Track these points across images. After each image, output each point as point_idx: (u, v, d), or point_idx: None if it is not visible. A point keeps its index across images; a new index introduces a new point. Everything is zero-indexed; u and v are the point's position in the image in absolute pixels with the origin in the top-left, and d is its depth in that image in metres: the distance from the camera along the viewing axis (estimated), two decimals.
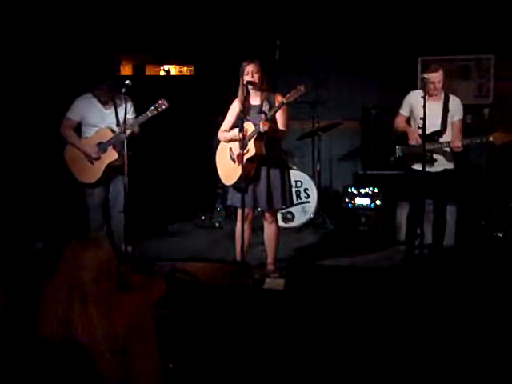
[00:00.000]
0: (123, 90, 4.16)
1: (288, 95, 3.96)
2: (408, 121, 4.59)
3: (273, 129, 4.07)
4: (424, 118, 4.16)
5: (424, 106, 4.14)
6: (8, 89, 5.59)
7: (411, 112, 4.54)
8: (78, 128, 4.68)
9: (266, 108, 4.14)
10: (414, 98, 4.52)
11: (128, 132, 4.35)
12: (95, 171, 4.59)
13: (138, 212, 4.99)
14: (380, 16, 6.44)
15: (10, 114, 5.60)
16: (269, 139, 4.15)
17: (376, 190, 5.81)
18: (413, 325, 3.37)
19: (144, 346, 1.95)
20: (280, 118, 4.17)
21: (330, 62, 6.61)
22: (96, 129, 4.57)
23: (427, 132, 4.35)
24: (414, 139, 4.44)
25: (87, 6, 6.17)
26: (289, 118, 4.24)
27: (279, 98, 4.10)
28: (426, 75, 4.36)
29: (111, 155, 4.52)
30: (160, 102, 4.28)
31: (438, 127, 4.40)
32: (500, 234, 5.23)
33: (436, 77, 4.34)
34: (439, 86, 4.37)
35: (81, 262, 1.94)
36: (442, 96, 4.44)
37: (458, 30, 6.27)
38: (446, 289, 4.09)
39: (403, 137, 4.58)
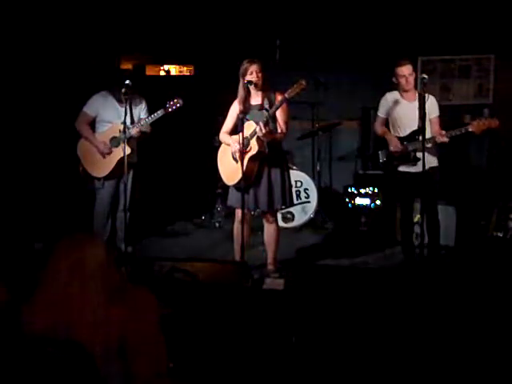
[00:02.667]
0: (123, 90, 4.19)
1: (289, 90, 3.95)
2: (387, 123, 4.61)
3: (270, 134, 4.06)
4: (424, 118, 4.17)
5: (424, 106, 4.15)
6: (8, 89, 5.59)
7: (388, 114, 4.56)
8: (91, 124, 4.78)
9: (266, 106, 4.15)
10: (390, 99, 4.55)
11: (136, 130, 4.53)
12: (106, 165, 4.68)
13: (138, 212, 5.00)
14: (380, 16, 6.44)
15: (10, 113, 5.60)
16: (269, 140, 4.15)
17: (376, 190, 5.81)
18: (413, 325, 3.37)
19: (144, 352, 1.94)
20: (280, 115, 4.17)
21: (330, 62, 6.61)
22: (110, 125, 4.66)
23: (406, 133, 4.43)
24: (394, 146, 4.47)
25: (88, 7, 6.17)
26: (289, 116, 4.24)
27: (279, 97, 4.11)
28: (395, 70, 4.40)
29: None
30: (175, 100, 4.41)
31: (416, 127, 4.40)
32: (500, 234, 5.22)
33: (406, 70, 4.36)
34: (411, 79, 4.38)
35: (79, 253, 1.92)
36: (416, 95, 4.44)
37: (458, 29, 6.27)
38: (446, 289, 4.09)
39: (384, 141, 4.60)
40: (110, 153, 4.65)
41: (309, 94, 5.76)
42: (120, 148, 4.56)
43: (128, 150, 4.47)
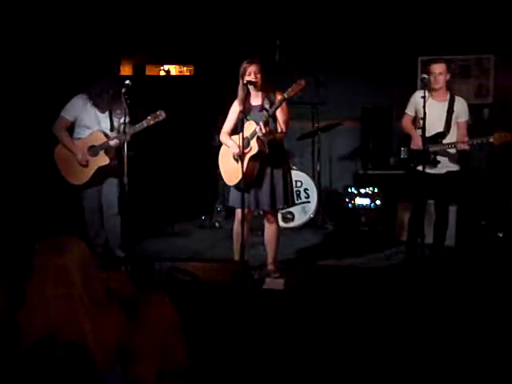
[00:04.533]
0: (123, 90, 4.15)
1: (289, 90, 3.94)
2: (414, 121, 4.58)
3: (270, 134, 4.05)
4: (424, 118, 4.14)
5: (424, 106, 4.13)
6: (10, 89, 5.60)
7: (416, 112, 4.53)
8: (70, 127, 4.66)
9: (267, 107, 4.14)
10: (419, 97, 4.50)
11: (116, 142, 4.43)
12: (84, 173, 4.59)
13: (138, 212, 4.99)
14: (380, 16, 6.44)
15: (11, 113, 5.60)
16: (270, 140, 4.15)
17: (376, 190, 5.82)
18: (413, 325, 3.37)
19: (145, 355, 1.94)
20: (280, 115, 4.16)
21: (330, 62, 6.61)
22: (89, 131, 4.56)
23: (430, 133, 4.35)
24: (416, 144, 4.44)
25: (88, 7, 6.18)
26: (289, 115, 4.23)
27: (279, 96, 4.11)
28: (428, 66, 4.37)
29: (102, 159, 4.53)
30: (158, 112, 4.28)
31: (441, 128, 4.37)
32: (500, 234, 5.23)
33: (437, 68, 4.32)
34: (440, 78, 4.32)
35: (61, 259, 1.92)
36: (448, 97, 4.40)
37: (458, 29, 6.27)
38: (446, 289, 4.09)
39: (408, 138, 4.58)
40: (87, 163, 4.55)
41: (309, 94, 5.77)
42: (99, 157, 4.52)
43: (106, 160, 4.50)
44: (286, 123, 4.20)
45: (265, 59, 4.34)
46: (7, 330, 1.94)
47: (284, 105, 4.12)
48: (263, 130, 3.97)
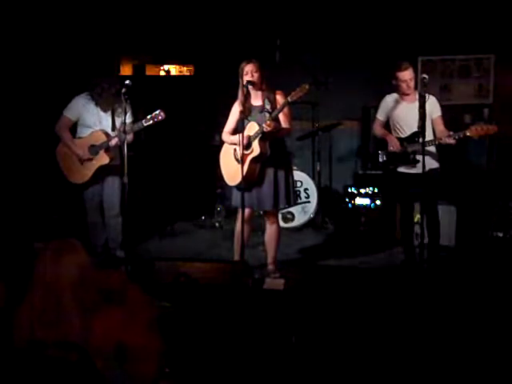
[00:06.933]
0: (123, 90, 4.15)
1: (292, 94, 3.95)
2: (387, 125, 4.61)
3: (277, 128, 4.06)
4: (424, 118, 4.15)
5: (424, 107, 4.14)
6: (11, 89, 5.60)
7: (388, 117, 4.56)
8: (73, 126, 4.67)
9: (267, 107, 4.14)
10: (390, 102, 4.55)
11: (116, 141, 4.42)
12: (85, 173, 4.60)
13: (138, 212, 4.99)
14: (380, 16, 6.44)
15: (12, 113, 5.60)
16: (273, 139, 4.15)
17: (376, 190, 5.81)
18: (413, 325, 3.37)
19: (142, 355, 1.94)
20: (283, 116, 4.17)
21: (330, 62, 6.61)
22: (91, 130, 4.57)
23: (407, 134, 4.42)
24: (394, 146, 4.47)
25: (88, 7, 6.18)
26: (291, 116, 4.25)
27: (279, 97, 4.11)
28: (396, 74, 4.40)
29: (103, 159, 4.54)
30: (157, 112, 4.26)
31: (415, 128, 4.36)
32: (500, 234, 5.22)
33: (407, 74, 4.37)
34: (412, 83, 4.39)
35: (56, 266, 1.93)
36: (416, 96, 4.42)
37: (458, 30, 6.28)
38: (446, 289, 4.10)
39: (384, 142, 4.60)
40: (89, 160, 4.56)
41: (309, 94, 5.73)
42: (99, 156, 4.53)
43: (107, 160, 4.50)
44: (290, 123, 4.23)
45: (265, 59, 4.34)
46: (4, 328, 1.95)
47: (286, 108, 4.12)
48: (271, 125, 3.95)
